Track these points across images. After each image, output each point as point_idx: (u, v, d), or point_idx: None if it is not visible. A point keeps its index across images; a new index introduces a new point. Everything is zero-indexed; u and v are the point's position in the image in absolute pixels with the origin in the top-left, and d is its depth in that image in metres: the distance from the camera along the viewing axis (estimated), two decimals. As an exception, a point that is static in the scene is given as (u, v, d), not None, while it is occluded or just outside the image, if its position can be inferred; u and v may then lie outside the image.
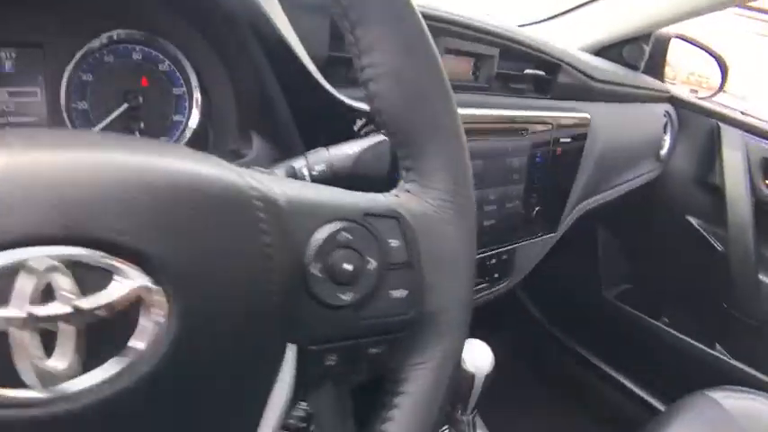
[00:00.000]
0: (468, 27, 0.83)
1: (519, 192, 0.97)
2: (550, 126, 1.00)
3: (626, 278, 1.94)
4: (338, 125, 0.62)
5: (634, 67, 1.74)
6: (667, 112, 1.63)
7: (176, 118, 0.64)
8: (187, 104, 0.65)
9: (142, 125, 0.63)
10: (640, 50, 1.73)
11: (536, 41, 0.97)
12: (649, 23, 1.58)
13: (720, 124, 1.63)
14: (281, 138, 0.63)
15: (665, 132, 1.65)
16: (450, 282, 0.42)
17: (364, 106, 0.63)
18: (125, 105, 0.61)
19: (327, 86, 0.59)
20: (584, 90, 1.14)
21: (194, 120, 0.65)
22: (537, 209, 1.01)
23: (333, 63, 0.67)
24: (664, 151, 1.67)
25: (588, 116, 1.10)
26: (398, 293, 0.39)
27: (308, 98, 0.61)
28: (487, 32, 0.86)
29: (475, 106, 0.90)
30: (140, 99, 0.62)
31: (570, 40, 1.69)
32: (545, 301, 2.08)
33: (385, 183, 0.49)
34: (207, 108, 0.65)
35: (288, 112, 0.62)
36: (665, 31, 1.81)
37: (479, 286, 1.02)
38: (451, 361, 0.42)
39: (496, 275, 1.06)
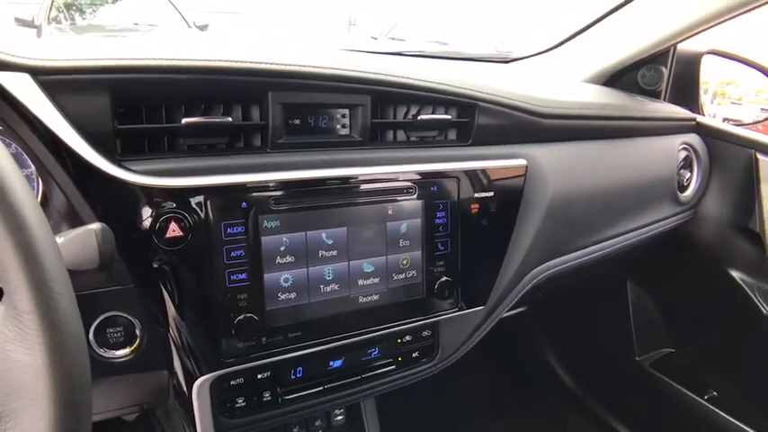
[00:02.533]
0: (306, 77, 0.71)
1: (415, 261, 0.81)
2: (456, 180, 0.83)
3: (664, 341, 1.63)
4: (121, 199, 0.63)
5: (653, 93, 1.51)
6: (688, 144, 1.36)
7: None
8: (35, 184, 0.67)
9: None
10: (658, 74, 1.50)
11: (428, 80, 0.81)
12: (657, 41, 1.34)
13: (759, 155, 1.33)
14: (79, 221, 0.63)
15: (687, 169, 1.38)
16: (24, 415, 0.38)
17: (141, 179, 0.62)
18: None
19: (95, 163, 0.60)
20: (528, 131, 0.95)
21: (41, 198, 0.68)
22: (442, 280, 0.83)
23: (128, 135, 0.65)
24: (689, 192, 1.39)
25: (523, 163, 0.91)
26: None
27: (86, 177, 0.61)
28: (338, 79, 0.73)
29: (356, 165, 0.77)
30: None
31: (574, 71, 1.51)
32: (575, 365, 1.82)
33: (100, 263, 0.53)
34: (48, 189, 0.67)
35: (76, 194, 0.63)
36: (691, 47, 1.56)
37: (387, 369, 0.86)
38: None
39: (415, 355, 0.89)
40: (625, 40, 1.44)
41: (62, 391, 0.38)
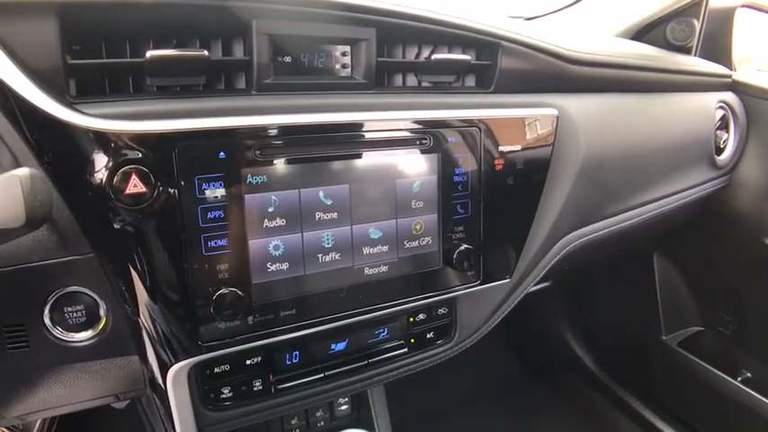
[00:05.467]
0: (298, 2, 0.58)
1: (429, 226, 0.69)
2: (477, 130, 0.70)
3: (692, 319, 1.52)
4: (71, 148, 0.51)
5: (683, 50, 1.36)
6: (724, 103, 1.23)
7: None
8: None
9: None
10: (689, 28, 1.36)
11: (443, 14, 0.69)
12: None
13: (805, 115, 1.20)
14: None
15: (724, 129, 1.25)
16: None
17: (94, 122, 0.50)
18: None
19: (39, 104, 0.49)
20: (557, 78, 0.83)
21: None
22: (462, 248, 0.71)
23: (83, 73, 0.53)
24: (726, 155, 1.26)
25: (554, 113, 0.78)
26: None
27: (30, 122, 0.50)
28: (336, 6, 0.60)
29: (359, 110, 0.64)
30: None
31: (596, 27, 1.38)
32: (594, 344, 1.71)
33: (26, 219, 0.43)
34: None
35: (20, 143, 0.51)
36: (722, 2, 1.41)
37: (398, 352, 0.75)
38: None
39: (430, 336, 0.78)
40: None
41: None
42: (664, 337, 1.50)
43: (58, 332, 0.60)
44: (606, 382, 1.66)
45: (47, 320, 0.59)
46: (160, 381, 0.61)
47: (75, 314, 0.60)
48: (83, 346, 0.62)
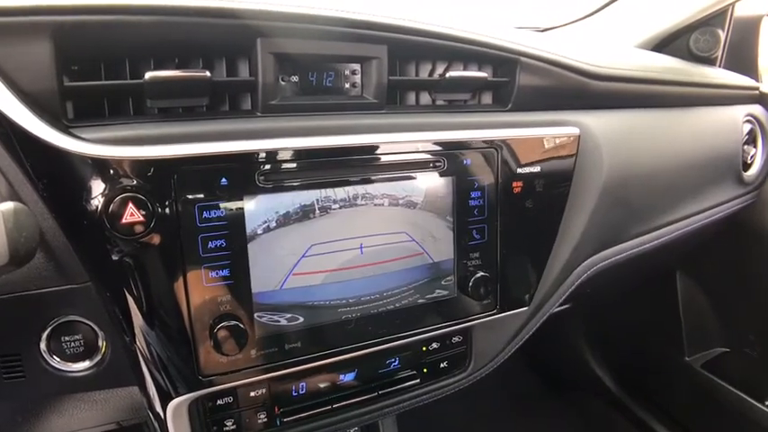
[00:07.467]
0: (304, 20, 0.55)
1: (443, 252, 0.65)
2: (494, 152, 0.67)
3: (717, 340, 1.46)
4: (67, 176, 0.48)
5: (708, 61, 1.31)
6: (752, 116, 1.18)
7: None
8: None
9: None
10: (713, 38, 1.31)
11: (457, 29, 0.65)
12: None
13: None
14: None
15: (751, 144, 1.20)
16: None
17: (88, 148, 0.48)
18: None
19: (32, 130, 0.46)
20: (577, 95, 0.79)
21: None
22: (478, 276, 0.67)
23: (81, 96, 0.51)
24: (754, 170, 1.21)
25: (575, 132, 0.75)
26: None
27: (26, 148, 0.47)
28: (345, 23, 0.58)
29: (369, 132, 0.61)
30: None
31: (617, 38, 1.33)
32: (615, 364, 1.65)
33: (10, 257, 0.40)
34: None
35: (15, 169, 0.48)
36: (747, 12, 1.37)
37: (410, 383, 0.71)
38: None
39: (444, 365, 0.74)
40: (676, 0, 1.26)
41: None
42: (687, 359, 1.45)
43: (56, 362, 0.58)
44: (627, 403, 1.60)
45: (43, 350, 0.57)
46: (161, 413, 0.58)
47: (72, 344, 0.58)
48: (81, 377, 0.59)
